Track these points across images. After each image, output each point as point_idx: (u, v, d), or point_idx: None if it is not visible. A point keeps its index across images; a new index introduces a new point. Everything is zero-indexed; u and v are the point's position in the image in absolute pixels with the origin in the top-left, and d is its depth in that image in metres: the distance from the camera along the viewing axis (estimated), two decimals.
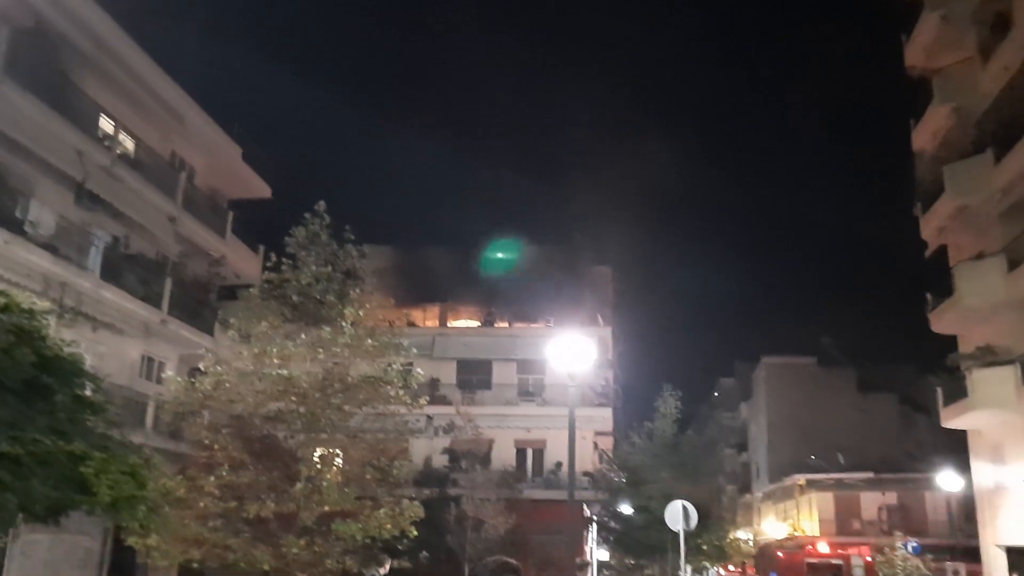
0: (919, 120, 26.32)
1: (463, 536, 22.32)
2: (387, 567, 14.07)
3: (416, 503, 15.10)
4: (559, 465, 28.66)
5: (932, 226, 25.40)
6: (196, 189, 23.17)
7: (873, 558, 36.17)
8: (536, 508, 25.42)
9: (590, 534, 31.77)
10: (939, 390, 25.05)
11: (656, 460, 27.85)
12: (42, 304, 10.98)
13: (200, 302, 22.45)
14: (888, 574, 34.15)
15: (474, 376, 31.52)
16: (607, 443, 35.57)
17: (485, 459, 28.25)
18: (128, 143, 20.79)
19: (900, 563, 32.82)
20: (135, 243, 20.73)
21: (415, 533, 14.92)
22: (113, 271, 18.74)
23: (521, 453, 30.37)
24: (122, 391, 18.12)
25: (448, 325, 33.75)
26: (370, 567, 14.01)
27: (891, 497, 42.08)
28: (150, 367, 21.08)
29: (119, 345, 19.31)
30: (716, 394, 66.66)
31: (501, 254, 33.88)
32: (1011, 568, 22.62)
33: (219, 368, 15.20)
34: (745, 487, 57.63)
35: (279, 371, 14.70)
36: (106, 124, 19.79)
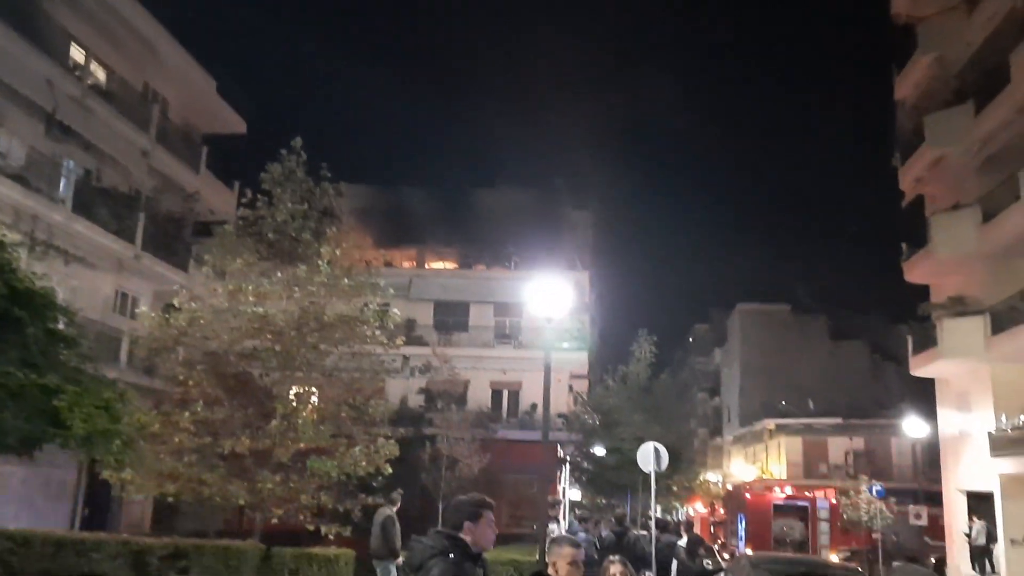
0: (902, 69, 26.27)
1: (437, 475, 22.60)
2: (397, 504, 14.28)
3: (391, 442, 15.23)
4: (534, 407, 28.97)
5: (910, 176, 25.54)
6: (169, 122, 22.76)
7: (838, 501, 37.15)
8: (511, 448, 25.75)
9: (563, 474, 32.28)
10: (909, 339, 25.49)
11: (630, 403, 28.19)
12: (13, 236, 10.83)
13: (174, 238, 22.22)
14: (852, 516, 35.13)
15: (451, 318, 31.58)
16: (582, 386, 35.95)
17: (461, 400, 28.47)
18: (100, 74, 20.31)
19: (864, 506, 33.75)
20: (107, 176, 20.40)
21: (390, 471, 15.08)
22: (85, 204, 18.47)
23: (497, 394, 30.63)
24: (95, 326, 18.01)
25: (426, 266, 33.68)
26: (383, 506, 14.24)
27: (858, 442, 43.03)
28: (124, 302, 20.93)
29: (92, 280, 19.13)
30: (691, 339, 67.40)
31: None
32: (970, 511, 23.34)
33: (193, 305, 15.12)
34: (716, 430, 58.70)
35: (254, 309, 14.64)
36: (77, 54, 19.30)
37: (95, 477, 15.46)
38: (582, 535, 10.96)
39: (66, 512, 18.05)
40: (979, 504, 22.73)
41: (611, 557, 5.64)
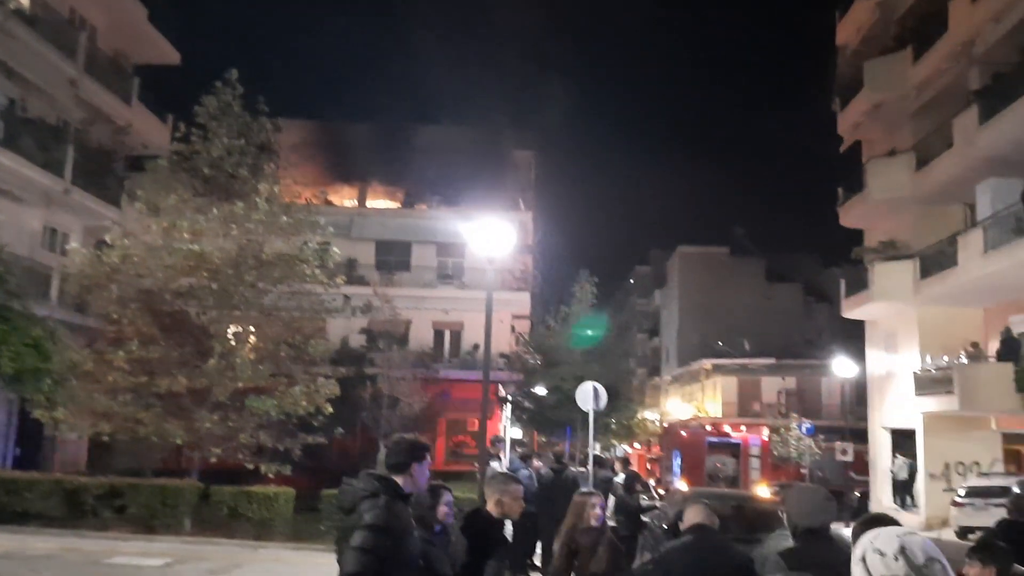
0: (844, 14, 26.42)
1: (378, 413, 22.66)
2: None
3: (331, 381, 15.19)
4: (476, 347, 29.09)
5: (848, 122, 25.90)
6: (98, 51, 21.79)
7: (769, 439, 38.41)
8: (452, 387, 25.90)
9: (504, 413, 32.68)
10: (842, 281, 26.15)
11: (571, 342, 28.50)
12: None
13: (105, 172, 21.45)
14: (782, 453, 36.41)
15: (393, 257, 31.34)
16: (524, 326, 36.20)
17: (403, 340, 28.43)
18: None
19: (794, 443, 34.99)
20: (33, 107, 19.52)
21: (330, 410, 15.07)
22: (10, 135, 17.67)
23: (439, 335, 30.67)
24: (23, 262, 17.39)
25: (367, 205, 33.25)
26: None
27: (790, 382, 44.34)
28: (53, 238, 20.25)
29: (18, 214, 18.43)
30: (631, 281, 68.17)
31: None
32: (894, 448, 24.35)
33: (126, 241, 14.75)
34: (655, 370, 59.83)
35: (190, 246, 14.35)
36: None
37: (27, 415, 15.14)
38: (524, 472, 11.13)
39: None
40: (902, 441, 23.71)
41: (583, 491, 5.78)
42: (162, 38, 24.18)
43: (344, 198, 33.31)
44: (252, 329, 15.58)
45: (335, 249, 16.09)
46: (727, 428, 44.14)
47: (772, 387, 44.52)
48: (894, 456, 24.07)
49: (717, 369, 45.55)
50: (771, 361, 44.20)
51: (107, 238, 15.13)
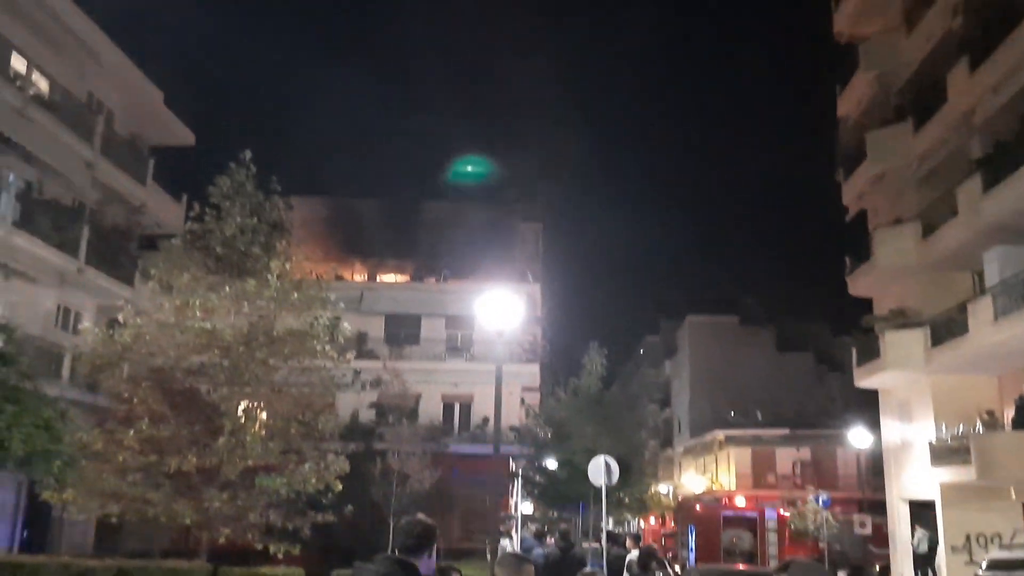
0: (844, 86, 26.90)
1: (388, 490, 22.41)
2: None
3: (341, 457, 15.10)
4: (486, 420, 28.90)
5: (853, 191, 26.13)
6: (115, 133, 22.33)
7: (792, 512, 37.68)
8: (462, 462, 25.64)
9: (515, 488, 32.26)
10: (853, 350, 26.00)
11: (581, 416, 28.28)
12: None
13: (119, 251, 21.77)
14: (800, 527, 35.69)
15: (402, 331, 31.42)
16: (534, 399, 35.99)
17: (412, 414, 28.30)
18: (42, 83, 19.86)
19: (811, 516, 34.33)
20: (50, 188, 19.92)
21: (340, 488, 14.94)
22: (27, 217, 18.01)
23: (448, 408, 30.52)
24: (36, 342, 17.53)
25: (377, 279, 33.49)
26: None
27: (805, 452, 43.72)
28: (66, 317, 20.43)
29: (33, 294, 18.65)
30: (641, 351, 67.88)
31: (470, 167, 33.99)
32: (914, 520, 23.85)
33: (139, 320, 14.85)
34: (667, 442, 59.13)
35: (202, 324, 14.44)
36: (18, 63, 18.85)
37: (35, 497, 15.04)
38: (537, 551, 10.95)
39: (5, 532, 17.50)
40: (922, 513, 23.24)
41: (586, 571, 5.68)
42: (177, 120, 24.77)
43: (354, 273, 33.56)
44: (262, 406, 15.56)
45: (345, 324, 16.17)
46: (742, 501, 43.37)
47: (787, 458, 43.91)
48: (914, 528, 23.56)
49: (730, 440, 45.01)
50: (785, 431, 43.68)
51: (120, 317, 15.24)
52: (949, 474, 20.78)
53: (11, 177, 18.46)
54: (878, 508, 28.77)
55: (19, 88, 18.14)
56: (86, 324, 17.59)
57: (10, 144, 17.86)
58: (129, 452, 13.83)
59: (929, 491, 22.22)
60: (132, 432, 13.84)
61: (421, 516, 3.64)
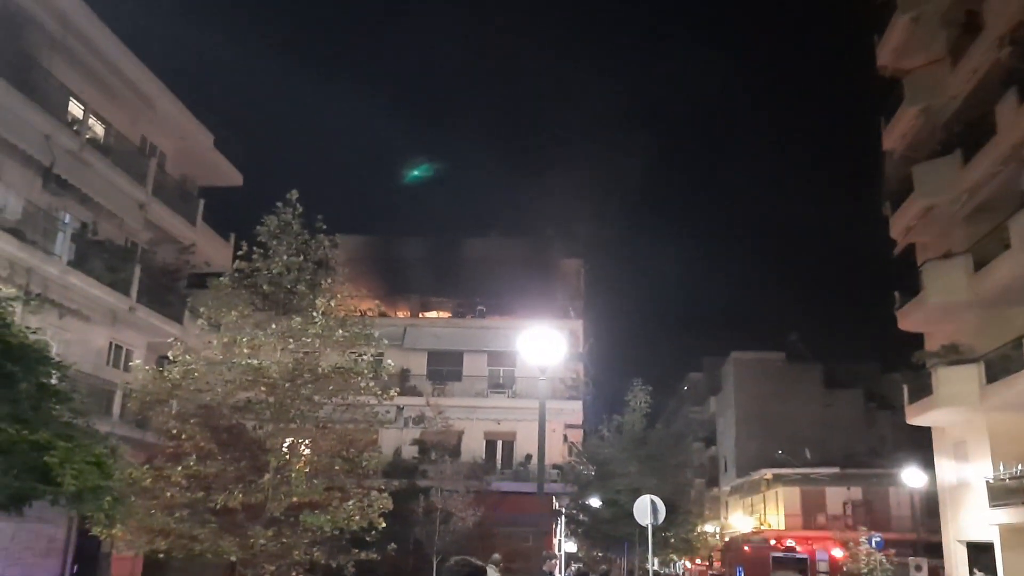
0: (889, 120, 26.65)
1: (431, 528, 22.33)
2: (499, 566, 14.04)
3: (385, 495, 15.08)
4: (529, 457, 28.74)
5: (900, 225, 25.76)
6: (166, 175, 22.93)
7: (845, 554, 36.68)
8: (505, 500, 25.49)
9: (558, 527, 31.92)
10: (904, 387, 25.44)
11: (625, 454, 28.02)
12: (7, 291, 10.84)
13: (169, 290, 22.23)
14: (852, 569, 34.66)
15: (445, 367, 31.49)
16: (577, 436, 35.74)
17: (455, 451, 28.26)
18: (98, 128, 20.52)
19: (864, 558, 33.34)
20: (104, 229, 20.47)
21: (383, 525, 14.91)
22: (81, 257, 18.51)
23: (491, 445, 30.41)
24: (88, 379, 17.91)
25: (420, 316, 33.70)
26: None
27: (856, 492, 42.70)
28: (117, 355, 20.85)
29: (86, 332, 19.09)
30: (685, 388, 67.21)
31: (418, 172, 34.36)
32: (971, 563, 23.07)
33: (188, 357, 15.07)
34: (713, 481, 58.21)
35: (248, 361, 14.59)
36: (75, 108, 19.51)
37: (85, 532, 15.24)
38: None
39: (55, 568, 17.76)
40: (980, 555, 22.49)
41: None
42: (226, 162, 25.34)
43: (398, 309, 33.81)
44: (307, 442, 15.65)
45: (389, 361, 16.23)
46: (792, 542, 42.38)
47: (837, 498, 42.89)
48: (972, 572, 22.78)
49: (778, 479, 44.14)
50: (835, 470, 42.74)
51: (169, 354, 15.49)
52: (1008, 515, 20.12)
53: (67, 218, 19.00)
54: (934, 550, 27.91)
55: (76, 132, 18.74)
56: (136, 361, 17.90)
57: (66, 187, 18.41)
58: (177, 488, 13.96)
59: (987, 533, 21.52)
60: (180, 468, 13.98)
61: (469, 558, 3.63)
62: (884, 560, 31.70)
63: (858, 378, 49.66)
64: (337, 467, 15.18)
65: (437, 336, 32.03)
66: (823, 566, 41.04)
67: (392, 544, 15.20)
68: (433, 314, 34.17)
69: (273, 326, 15.22)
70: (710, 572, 52.60)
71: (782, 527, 43.15)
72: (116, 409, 18.97)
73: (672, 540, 30.08)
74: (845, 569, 35.72)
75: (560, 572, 29.81)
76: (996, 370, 20.32)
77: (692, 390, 65.15)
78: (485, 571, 3.45)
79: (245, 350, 14.80)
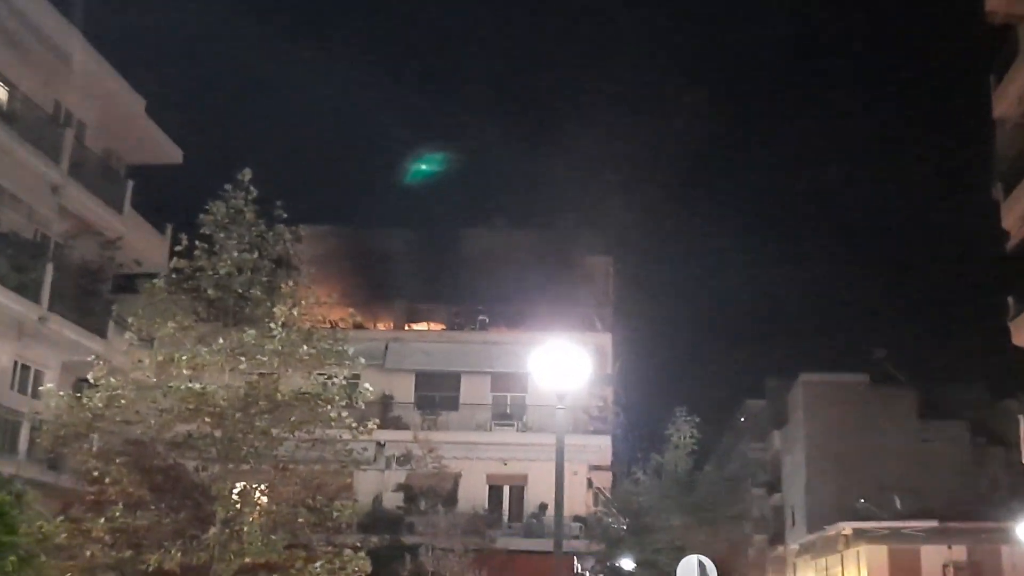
0: (1001, 80, 26.55)
1: None
2: None
3: (361, 554, 15.09)
4: (543, 507, 28.74)
5: (1016, 213, 25.67)
6: (86, 150, 22.99)
7: None
8: (514, 561, 25.49)
9: None
10: (1021, 419, 25.38)
11: (666, 502, 28.00)
12: None
13: (90, 295, 22.30)
14: None
15: (437, 393, 31.53)
16: (604, 480, 35.73)
17: (450, 498, 28.29)
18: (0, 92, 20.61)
19: None
20: (7, 218, 20.55)
21: None
22: None
23: (495, 491, 30.42)
24: None
25: (406, 328, 33.75)
26: None
27: (959, 551, 42.49)
28: (24, 377, 20.91)
29: None
30: (742, 419, 67.07)
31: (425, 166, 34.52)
32: None
33: (113, 380, 15.10)
34: (777, 536, 58.08)
35: (189, 384, 14.62)
36: None
37: None
38: None
39: None
40: None
41: None
42: (162, 133, 25.41)
43: (378, 320, 33.88)
44: (263, 488, 15.68)
45: (367, 385, 16.26)
46: None
47: (936, 559, 42.68)
48: None
49: (860, 535, 43.98)
50: (932, 524, 42.54)
51: (90, 376, 15.55)
52: None
53: None
54: None
55: None
56: (48, 385, 17.97)
57: None
58: (99, 545, 13.97)
59: None
60: (103, 520, 13.99)
61: None
62: None
63: (962, 407, 49.44)
64: (301, 519, 15.20)
65: (428, 353, 32.07)
66: None
67: None
68: (423, 326, 34.25)
69: (220, 341, 15.24)
70: None
71: None
72: (22, 446, 19.03)
73: None
74: None
75: None
76: None
77: (751, 422, 65.00)
78: None
79: (185, 371, 14.83)
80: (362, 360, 16.69)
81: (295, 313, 15.70)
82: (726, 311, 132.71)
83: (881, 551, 43.31)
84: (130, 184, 24.14)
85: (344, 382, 15.85)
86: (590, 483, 33.14)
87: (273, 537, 14.59)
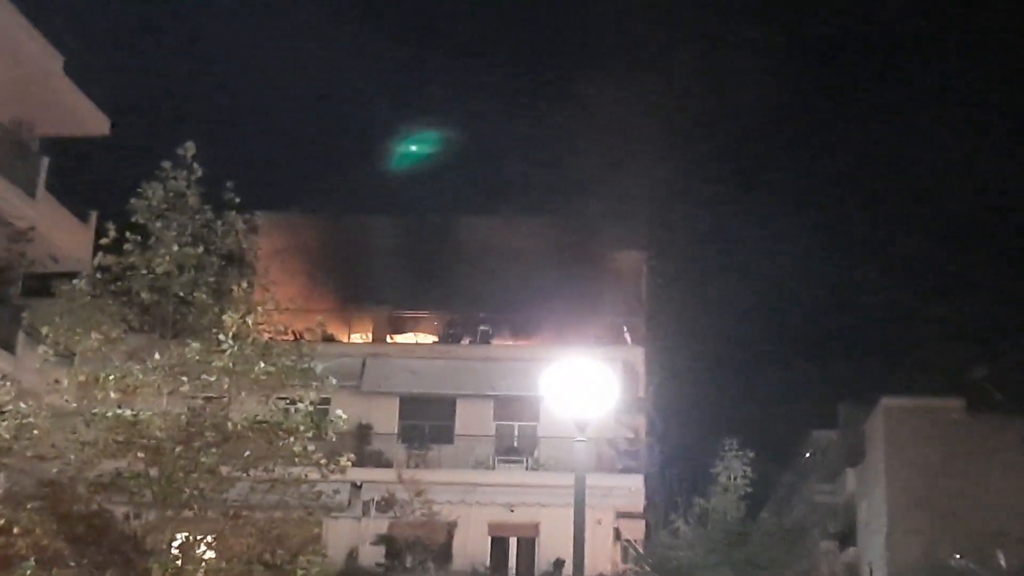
0: None
1: None
2: None
3: None
4: (559, 564, 28.75)
5: None
6: None
7: None
8: None
9: None
10: None
11: (712, 558, 27.99)
12: None
13: None
14: None
15: (427, 422, 31.56)
16: (636, 530, 35.69)
17: (443, 553, 28.31)
18: None
19: None
20: None
21: None
22: None
23: (499, 544, 30.44)
24: None
25: (389, 340, 33.76)
26: None
27: None
28: None
29: None
30: (808, 455, 66.95)
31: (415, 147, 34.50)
32: None
33: (24, 405, 15.13)
34: None
35: (118, 411, 14.64)
36: None
37: None
38: None
39: None
40: None
41: None
42: (85, 99, 25.37)
43: (353, 331, 33.91)
44: (210, 540, 15.70)
45: (339, 412, 16.26)
46: None
47: None
48: None
49: None
50: None
51: None
52: None
53: None
54: None
55: None
56: None
57: None
58: None
59: None
60: None
61: None
62: None
63: None
64: None
65: (415, 372, 32.07)
66: None
67: None
68: (409, 337, 34.27)
69: (156, 356, 15.27)
70: None
71: None
72: None
73: None
74: None
75: None
76: None
77: (819, 457, 64.88)
78: None
79: (113, 394, 14.85)
80: (333, 380, 16.71)
81: (249, 322, 15.72)
82: (788, 320, 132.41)
83: None
84: (45, 161, 24.11)
85: (311, 408, 15.83)
86: (618, 534, 33.12)
87: None
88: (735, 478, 29.54)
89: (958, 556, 45.45)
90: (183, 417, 14.94)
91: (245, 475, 15.47)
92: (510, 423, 31.51)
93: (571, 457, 12.05)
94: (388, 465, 28.60)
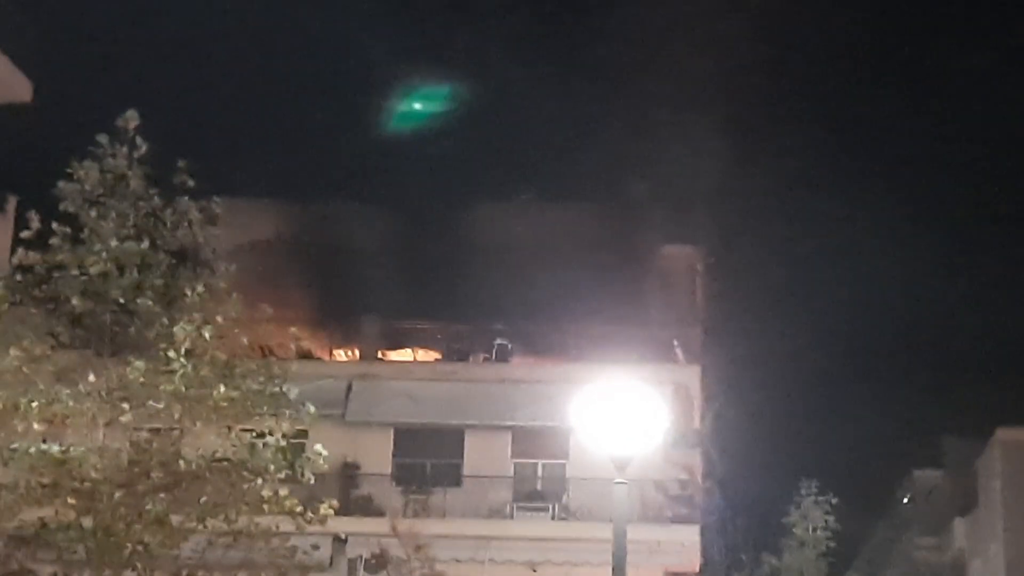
0: None
1: None
2: None
3: None
4: None
5: None
6: None
7: None
8: None
9: None
10: None
11: None
12: None
13: None
14: None
15: (429, 459, 31.55)
16: None
17: None
18: None
19: None
20: None
21: None
22: None
23: None
24: None
25: (381, 357, 33.78)
26: None
27: None
28: None
29: None
30: (906, 500, 66.88)
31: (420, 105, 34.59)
32: None
33: None
34: None
35: (43, 446, 14.67)
36: None
37: None
38: None
39: None
40: None
41: None
42: (3, 57, 25.52)
43: (336, 345, 33.93)
44: None
45: (319, 447, 16.25)
46: None
47: None
48: None
49: None
50: None
51: None
52: None
53: None
54: None
55: None
56: None
57: None
58: None
59: None
60: None
61: None
62: None
63: None
64: None
65: (414, 398, 32.06)
66: None
67: None
68: (406, 354, 34.27)
69: (91, 378, 15.27)
70: None
71: None
72: None
73: None
74: None
75: None
76: None
77: (920, 503, 64.78)
78: None
79: (36, 425, 14.86)
80: (311, 408, 16.69)
81: (206, 335, 15.68)
82: (879, 337, 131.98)
83: None
84: None
85: (283, 443, 15.83)
86: None
87: None
88: (814, 530, 29.61)
89: None
90: (124, 454, 14.94)
91: (201, 526, 15.48)
92: (532, 461, 31.49)
93: (608, 504, 12.01)
94: (380, 514, 28.56)
